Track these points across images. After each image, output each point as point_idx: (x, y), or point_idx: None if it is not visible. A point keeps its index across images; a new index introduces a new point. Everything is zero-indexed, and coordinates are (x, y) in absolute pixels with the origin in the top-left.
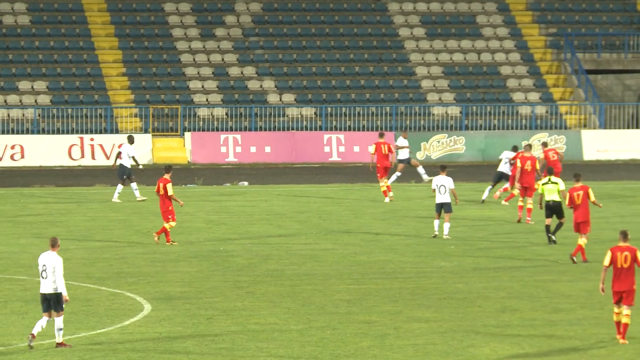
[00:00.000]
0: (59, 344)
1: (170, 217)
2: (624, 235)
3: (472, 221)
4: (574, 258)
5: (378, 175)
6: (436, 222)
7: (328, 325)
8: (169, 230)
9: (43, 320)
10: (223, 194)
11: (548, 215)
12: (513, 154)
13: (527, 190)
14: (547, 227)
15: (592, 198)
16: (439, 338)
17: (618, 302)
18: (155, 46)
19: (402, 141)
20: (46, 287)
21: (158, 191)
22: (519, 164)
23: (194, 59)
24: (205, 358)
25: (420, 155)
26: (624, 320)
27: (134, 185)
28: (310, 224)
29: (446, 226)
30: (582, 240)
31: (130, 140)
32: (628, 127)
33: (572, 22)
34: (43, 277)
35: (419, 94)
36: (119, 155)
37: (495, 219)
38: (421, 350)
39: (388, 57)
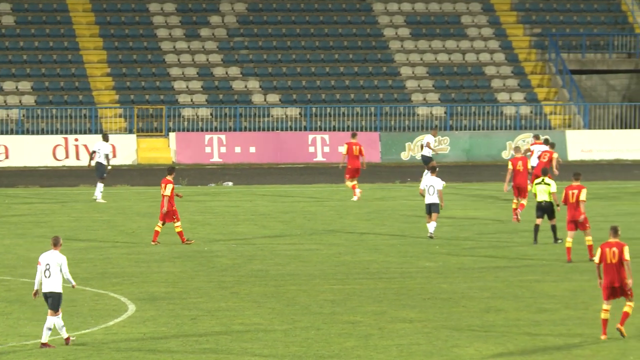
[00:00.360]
0: (44, 344)
1: (175, 217)
2: (614, 231)
3: (457, 221)
4: (594, 259)
5: (346, 175)
6: (429, 224)
7: (312, 325)
8: (159, 230)
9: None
10: (207, 194)
11: (539, 216)
12: (546, 148)
13: (519, 191)
14: (537, 226)
15: (582, 197)
16: (423, 338)
17: (609, 299)
18: (140, 46)
19: (430, 138)
20: (49, 286)
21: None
22: (509, 165)
23: (178, 59)
24: (189, 358)
25: (405, 156)
26: (625, 309)
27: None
28: (295, 225)
29: (432, 225)
30: (588, 240)
31: (105, 138)
32: (612, 128)
33: (557, 22)
34: (46, 276)
35: (404, 94)
36: (93, 154)
37: (479, 218)
38: (405, 351)
39: (373, 58)
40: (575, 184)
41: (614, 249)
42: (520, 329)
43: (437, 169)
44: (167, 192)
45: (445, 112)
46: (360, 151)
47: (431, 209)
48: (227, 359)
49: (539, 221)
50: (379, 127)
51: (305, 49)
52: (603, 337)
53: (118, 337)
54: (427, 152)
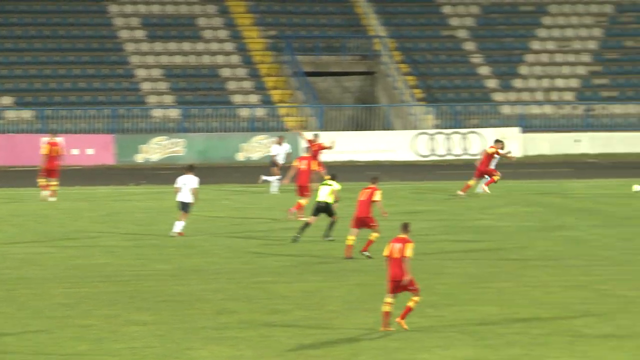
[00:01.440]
0: None
1: None
2: (404, 228)
3: (192, 223)
4: (366, 253)
5: (42, 173)
6: (177, 223)
7: (44, 329)
8: None
9: None
10: None
11: (314, 214)
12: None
13: (300, 190)
14: (307, 225)
15: (377, 198)
16: (156, 341)
17: (393, 292)
18: None
19: (278, 148)
20: None
21: None
22: (295, 162)
23: None
24: None
25: (139, 158)
26: (409, 303)
27: None
28: (27, 228)
29: (180, 224)
30: (373, 235)
31: None
32: (346, 129)
33: (292, 25)
34: None
35: (139, 96)
36: None
37: (215, 219)
38: (139, 354)
39: (107, 59)
40: (370, 185)
41: (399, 244)
42: (253, 330)
43: (194, 168)
44: None
45: (180, 114)
46: (58, 152)
47: (183, 206)
48: None
49: (311, 220)
50: (114, 129)
51: (39, 50)
52: (382, 328)
53: None
54: (279, 158)
